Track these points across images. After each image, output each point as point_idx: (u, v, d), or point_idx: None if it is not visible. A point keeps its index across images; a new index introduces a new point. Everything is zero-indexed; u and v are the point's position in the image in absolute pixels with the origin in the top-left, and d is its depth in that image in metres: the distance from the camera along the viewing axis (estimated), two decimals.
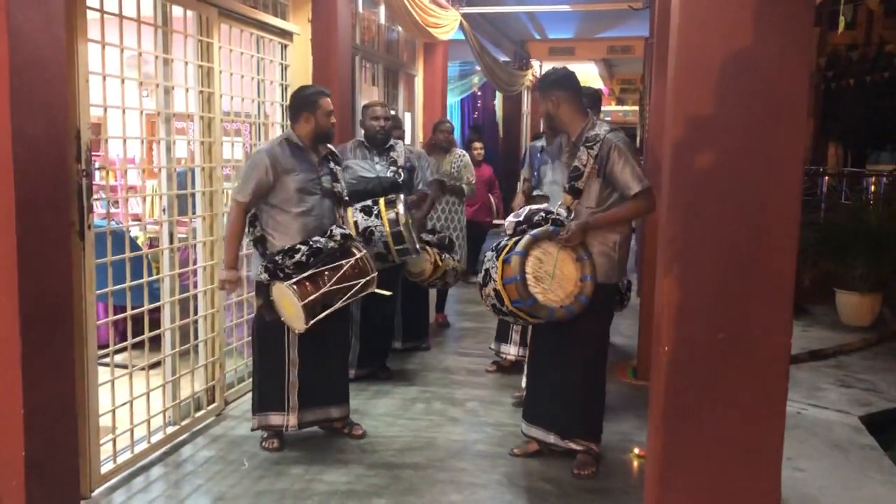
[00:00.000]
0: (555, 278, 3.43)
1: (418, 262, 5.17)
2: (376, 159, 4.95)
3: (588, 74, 17.60)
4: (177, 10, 4.00)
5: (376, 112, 4.96)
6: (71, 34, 3.12)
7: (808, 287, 7.11)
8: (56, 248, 2.95)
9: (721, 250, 2.33)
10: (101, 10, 3.36)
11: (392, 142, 5.06)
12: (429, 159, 5.77)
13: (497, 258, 3.44)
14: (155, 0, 3.80)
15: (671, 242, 2.42)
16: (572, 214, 3.51)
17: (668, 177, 2.43)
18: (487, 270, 3.48)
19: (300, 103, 3.90)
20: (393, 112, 6.48)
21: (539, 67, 14.05)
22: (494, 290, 3.41)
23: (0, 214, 2.72)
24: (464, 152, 6.52)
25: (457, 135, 11.90)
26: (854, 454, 4.08)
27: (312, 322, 3.69)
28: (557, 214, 3.50)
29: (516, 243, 3.48)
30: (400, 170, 4.94)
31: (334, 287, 3.76)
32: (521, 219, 3.55)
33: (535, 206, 3.65)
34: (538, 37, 12.95)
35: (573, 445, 3.70)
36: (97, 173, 6.09)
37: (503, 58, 12.29)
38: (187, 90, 4.12)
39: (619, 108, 21.22)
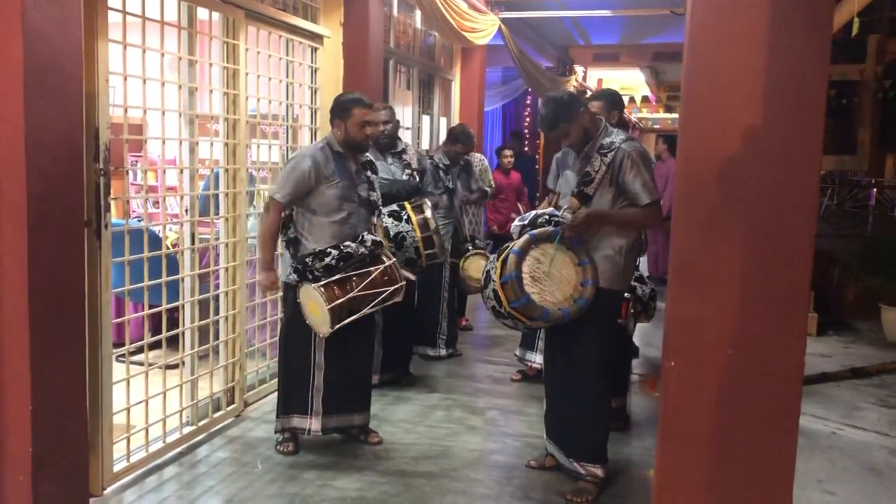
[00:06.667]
0: (552, 279, 3.36)
1: (480, 269, 5.18)
2: (389, 160, 4.91)
3: (634, 81, 17.33)
4: (203, 13, 4.02)
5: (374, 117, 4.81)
6: (91, 35, 3.15)
7: (852, 302, 6.87)
8: (68, 245, 2.96)
9: (733, 265, 2.23)
10: (124, 11, 3.39)
11: (402, 145, 5.01)
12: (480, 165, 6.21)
13: (497, 259, 3.41)
14: (179, 2, 3.82)
15: (682, 255, 2.33)
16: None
17: (680, 190, 2.34)
18: (488, 272, 3.45)
19: (335, 109, 3.86)
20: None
21: (583, 74, 13.87)
22: (493, 290, 3.38)
23: (11, 211, 2.75)
24: (482, 157, 6.60)
25: (496, 140, 11.84)
26: (890, 479, 3.89)
27: (338, 327, 3.66)
28: (562, 218, 3.46)
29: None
30: (414, 172, 4.90)
31: (361, 293, 3.73)
32: (525, 222, 3.50)
33: (539, 210, 3.60)
34: (582, 42, 12.75)
35: (578, 469, 3.55)
36: (138, 173, 6.25)
37: (546, 63, 12.15)
38: (211, 91, 4.14)
39: (668, 115, 20.86)
